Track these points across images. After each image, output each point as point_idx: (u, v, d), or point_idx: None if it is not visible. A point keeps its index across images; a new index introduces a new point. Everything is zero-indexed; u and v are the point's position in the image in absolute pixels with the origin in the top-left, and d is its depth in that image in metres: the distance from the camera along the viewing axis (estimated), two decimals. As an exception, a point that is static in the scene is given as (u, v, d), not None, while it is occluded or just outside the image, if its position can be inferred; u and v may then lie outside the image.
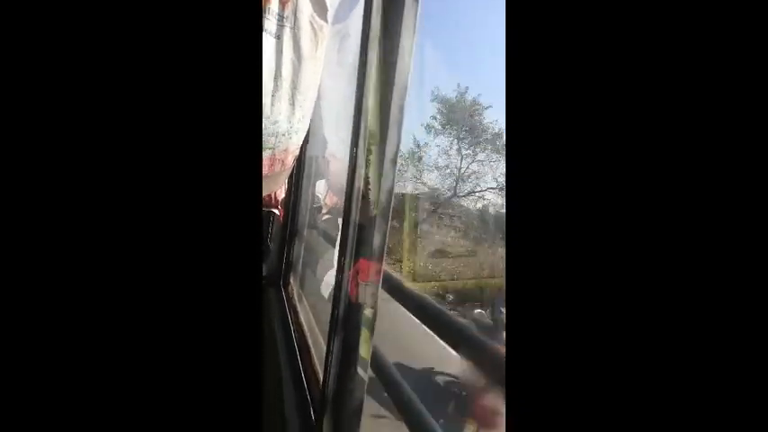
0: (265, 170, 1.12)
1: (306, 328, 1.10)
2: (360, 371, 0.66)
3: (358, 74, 0.64)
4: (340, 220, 0.73)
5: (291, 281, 1.49)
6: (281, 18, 1.02)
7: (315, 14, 1.08)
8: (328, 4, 1.10)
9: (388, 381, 0.72)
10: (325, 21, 1.09)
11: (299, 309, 1.26)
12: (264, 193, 1.30)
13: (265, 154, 1.10)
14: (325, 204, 1.62)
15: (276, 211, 1.55)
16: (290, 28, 1.03)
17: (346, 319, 0.67)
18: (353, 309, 0.67)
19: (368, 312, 0.68)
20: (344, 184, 0.69)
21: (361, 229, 0.64)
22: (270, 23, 0.99)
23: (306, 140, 1.51)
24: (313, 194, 1.61)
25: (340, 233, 0.68)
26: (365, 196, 0.63)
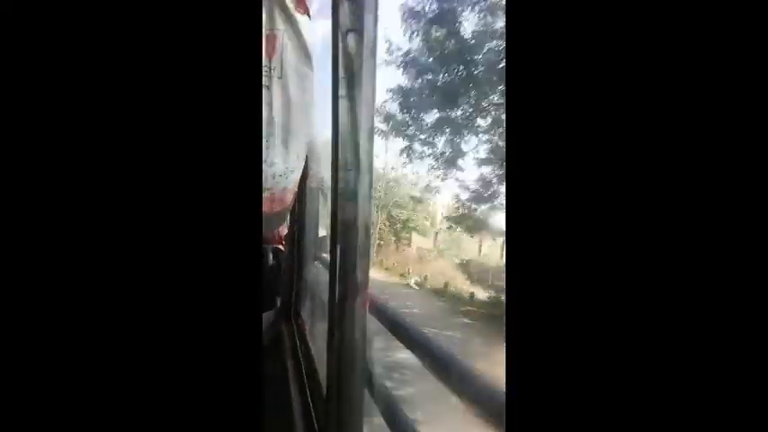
0: (266, 210, 1.19)
1: (315, 357, 1.13)
2: (357, 391, 0.69)
3: (332, 111, 0.70)
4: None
5: (302, 313, 1.53)
6: (268, 69, 1.12)
7: (300, 63, 1.18)
8: (312, 52, 1.20)
9: (384, 402, 0.74)
10: (310, 69, 1.19)
11: (308, 340, 1.29)
12: (266, 231, 1.37)
13: (265, 195, 1.17)
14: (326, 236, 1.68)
15: (281, 247, 1.61)
16: (278, 78, 1.13)
17: (343, 342, 0.70)
18: (350, 332, 0.70)
19: (363, 334, 0.72)
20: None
21: (359, 256, 0.67)
22: (258, 77, 1.09)
23: (304, 176, 1.59)
24: (317, 228, 1.67)
25: (329, 263, 0.72)
26: (363, 225, 0.68)
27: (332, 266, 0.69)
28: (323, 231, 1.66)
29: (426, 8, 7.13)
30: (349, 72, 0.65)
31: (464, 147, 7.91)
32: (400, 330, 0.70)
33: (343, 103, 0.67)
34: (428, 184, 9.86)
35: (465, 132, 7.68)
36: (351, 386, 0.68)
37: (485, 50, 6.84)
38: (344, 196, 0.65)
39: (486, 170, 7.91)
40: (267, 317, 1.72)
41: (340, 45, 0.66)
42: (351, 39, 0.66)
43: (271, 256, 1.84)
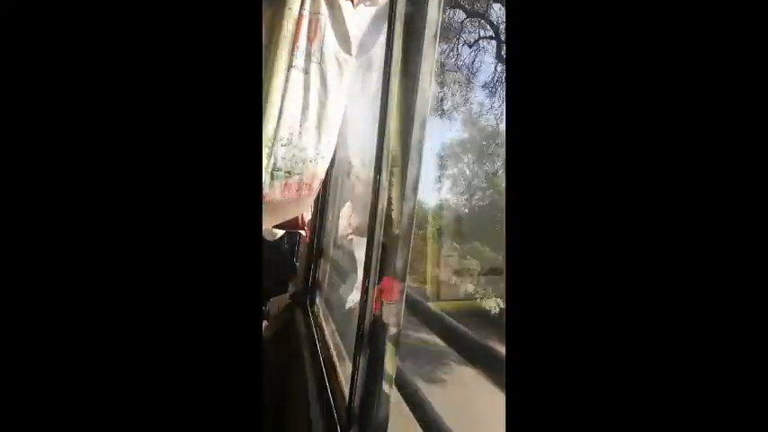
0: (293, 194, 1.18)
1: (332, 345, 1.13)
2: (385, 387, 0.68)
3: (381, 100, 0.68)
4: (364, 241, 0.76)
5: (318, 300, 1.53)
6: (308, 54, 1.10)
7: (340, 49, 1.16)
8: (352, 39, 1.18)
9: (411, 398, 0.73)
10: (350, 54, 1.17)
11: (324, 327, 1.29)
12: (292, 216, 1.36)
13: (293, 179, 1.16)
14: (350, 225, 1.67)
15: (302, 233, 1.61)
16: (317, 63, 1.11)
17: (371, 337, 0.69)
18: (379, 326, 0.69)
19: (392, 330, 0.70)
20: (368, 205, 0.73)
21: (384, 248, 0.67)
22: (298, 60, 1.08)
23: (332, 164, 1.58)
24: (338, 215, 1.66)
25: (365, 253, 0.71)
26: (389, 217, 0.67)
27: (368, 253, 0.68)
28: (345, 218, 1.65)
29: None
30: (403, 58, 0.63)
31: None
32: (433, 322, 0.68)
33: (393, 91, 0.65)
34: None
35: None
36: (377, 380, 0.67)
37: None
38: (390, 185, 0.64)
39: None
40: (279, 301, 1.72)
41: (396, 29, 0.64)
42: (407, 22, 0.64)
43: (285, 241, 1.84)
